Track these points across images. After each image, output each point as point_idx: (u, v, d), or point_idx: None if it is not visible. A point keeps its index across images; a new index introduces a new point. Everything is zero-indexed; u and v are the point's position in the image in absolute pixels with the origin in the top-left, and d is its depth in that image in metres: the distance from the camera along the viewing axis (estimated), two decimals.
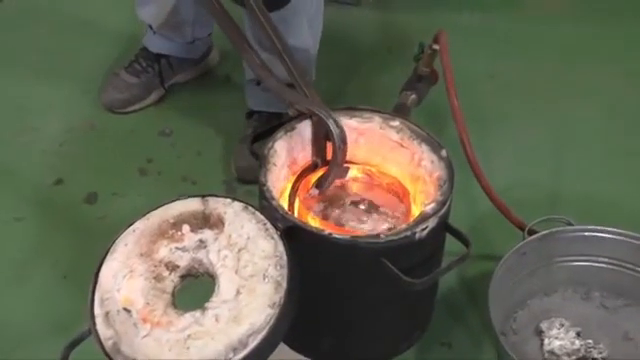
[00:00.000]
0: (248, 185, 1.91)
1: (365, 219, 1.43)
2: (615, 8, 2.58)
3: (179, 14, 2.06)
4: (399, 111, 1.67)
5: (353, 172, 1.48)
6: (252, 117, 2.03)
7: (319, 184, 1.41)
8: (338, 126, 1.35)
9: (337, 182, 1.45)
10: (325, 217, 1.42)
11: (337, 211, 1.44)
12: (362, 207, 1.45)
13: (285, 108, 1.98)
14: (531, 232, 1.61)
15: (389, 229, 1.34)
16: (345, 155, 1.37)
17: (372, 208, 1.45)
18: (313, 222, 1.37)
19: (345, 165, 1.42)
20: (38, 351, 1.58)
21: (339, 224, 1.40)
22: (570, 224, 1.63)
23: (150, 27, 2.11)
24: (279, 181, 1.39)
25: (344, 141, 1.35)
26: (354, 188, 1.48)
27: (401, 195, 1.45)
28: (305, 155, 1.45)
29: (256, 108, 2.02)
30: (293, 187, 1.43)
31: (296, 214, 1.38)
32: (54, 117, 2.12)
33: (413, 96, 1.74)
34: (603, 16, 2.55)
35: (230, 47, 2.26)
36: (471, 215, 1.84)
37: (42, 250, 1.77)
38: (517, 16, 2.56)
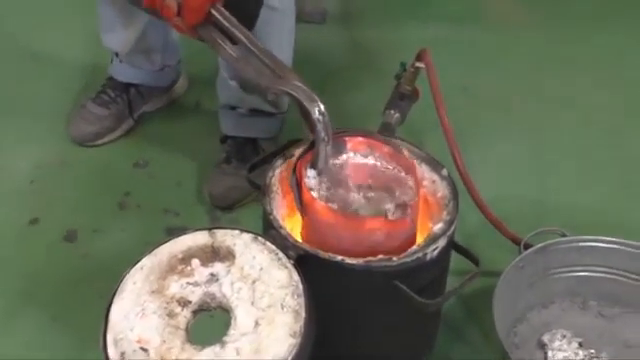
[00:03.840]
0: (229, 212, 1.96)
1: (371, 195, 1.47)
2: (580, 16, 2.70)
3: (147, 40, 2.09)
4: (385, 130, 1.74)
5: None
6: (226, 142, 2.08)
7: (312, 163, 1.45)
8: (313, 100, 1.41)
9: (337, 160, 1.50)
10: (330, 199, 1.45)
11: (341, 191, 1.47)
12: (367, 185, 1.49)
13: (261, 133, 2.06)
14: (527, 246, 1.69)
15: (399, 213, 1.41)
16: (329, 128, 1.42)
17: (376, 185, 1.49)
18: (322, 209, 1.40)
19: (340, 139, 1.48)
20: None
21: (346, 207, 1.44)
22: (564, 235, 1.71)
23: (116, 55, 2.14)
24: (282, 208, 1.44)
25: (323, 114, 1.41)
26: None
27: (405, 167, 1.50)
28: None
29: (230, 133, 2.07)
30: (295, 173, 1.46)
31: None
32: (21, 154, 2.12)
33: (397, 115, 1.80)
34: (568, 24, 2.67)
35: (197, 72, 2.35)
36: (462, 230, 1.91)
37: (27, 293, 1.78)
38: (484, 27, 2.67)
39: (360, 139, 1.52)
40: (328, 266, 1.32)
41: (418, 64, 1.81)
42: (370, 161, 1.52)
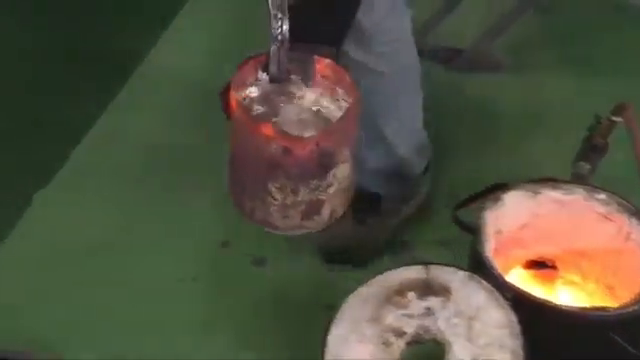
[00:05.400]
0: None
1: (301, 94, 1.39)
2: None
3: None
4: (579, 181, 1.77)
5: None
6: None
7: (264, 66, 1.36)
8: None
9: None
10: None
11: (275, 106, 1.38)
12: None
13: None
14: None
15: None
16: (284, 32, 1.30)
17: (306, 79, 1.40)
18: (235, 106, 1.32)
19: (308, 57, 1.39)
20: None
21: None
22: None
23: None
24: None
25: (280, 9, 1.30)
26: None
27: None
28: (509, 226, 1.55)
29: None
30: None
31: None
32: None
33: (588, 166, 1.83)
34: None
35: None
36: None
37: (220, 311, 1.89)
38: None
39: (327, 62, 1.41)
40: (542, 309, 1.36)
41: (615, 118, 1.83)
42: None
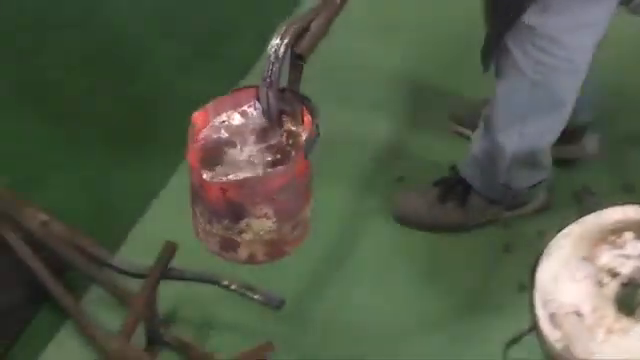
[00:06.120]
0: None
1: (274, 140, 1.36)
2: None
3: None
4: None
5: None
6: None
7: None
8: (277, 32, 1.31)
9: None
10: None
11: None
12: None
13: None
14: None
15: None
16: (273, 71, 1.31)
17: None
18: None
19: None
20: (410, 348, 1.71)
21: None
22: None
23: None
24: None
25: (273, 50, 1.30)
26: None
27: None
28: None
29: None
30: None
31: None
32: None
33: None
34: None
35: None
36: None
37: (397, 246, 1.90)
38: None
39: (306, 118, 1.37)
40: None
41: None
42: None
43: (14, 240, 1.77)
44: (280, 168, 1.31)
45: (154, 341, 1.55)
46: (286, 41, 1.31)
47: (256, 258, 1.36)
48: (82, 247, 1.73)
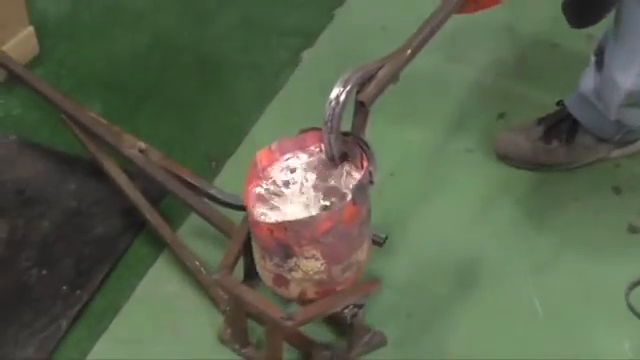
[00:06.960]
0: None
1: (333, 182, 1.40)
2: None
3: None
4: None
5: None
6: None
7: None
8: (339, 81, 1.33)
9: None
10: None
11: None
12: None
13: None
14: None
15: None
16: (335, 119, 1.33)
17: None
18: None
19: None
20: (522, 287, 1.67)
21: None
22: None
23: None
24: None
25: (334, 99, 1.32)
26: None
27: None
28: None
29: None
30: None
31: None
32: None
33: None
34: None
35: None
36: None
37: (500, 185, 1.85)
38: None
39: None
40: None
41: None
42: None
43: (112, 168, 1.77)
44: (324, 213, 1.34)
45: (251, 275, 1.53)
46: (348, 88, 1.32)
47: (307, 296, 1.41)
48: (180, 176, 1.72)
